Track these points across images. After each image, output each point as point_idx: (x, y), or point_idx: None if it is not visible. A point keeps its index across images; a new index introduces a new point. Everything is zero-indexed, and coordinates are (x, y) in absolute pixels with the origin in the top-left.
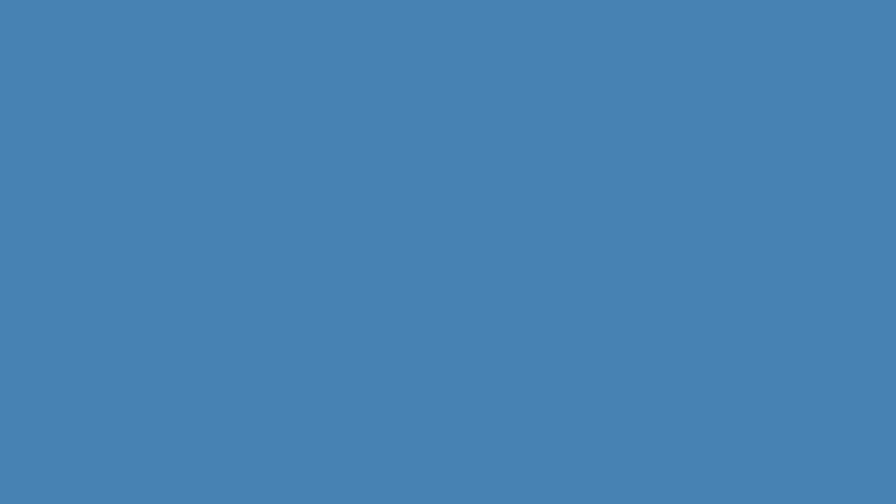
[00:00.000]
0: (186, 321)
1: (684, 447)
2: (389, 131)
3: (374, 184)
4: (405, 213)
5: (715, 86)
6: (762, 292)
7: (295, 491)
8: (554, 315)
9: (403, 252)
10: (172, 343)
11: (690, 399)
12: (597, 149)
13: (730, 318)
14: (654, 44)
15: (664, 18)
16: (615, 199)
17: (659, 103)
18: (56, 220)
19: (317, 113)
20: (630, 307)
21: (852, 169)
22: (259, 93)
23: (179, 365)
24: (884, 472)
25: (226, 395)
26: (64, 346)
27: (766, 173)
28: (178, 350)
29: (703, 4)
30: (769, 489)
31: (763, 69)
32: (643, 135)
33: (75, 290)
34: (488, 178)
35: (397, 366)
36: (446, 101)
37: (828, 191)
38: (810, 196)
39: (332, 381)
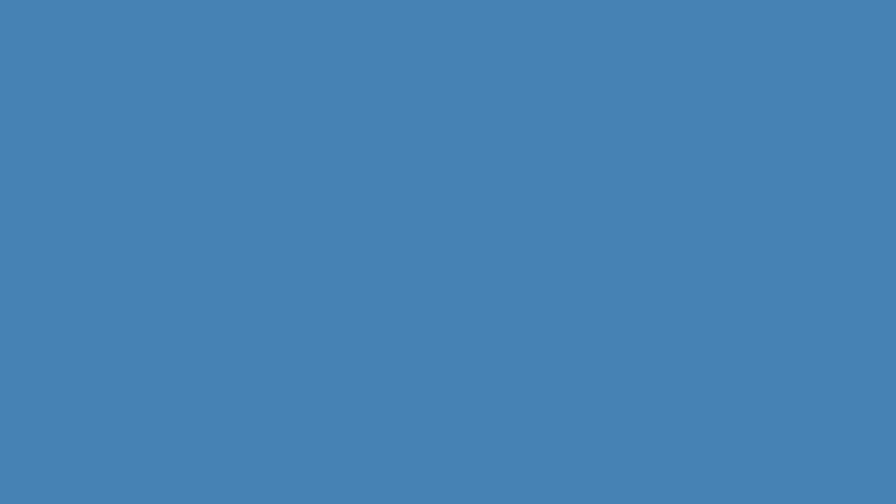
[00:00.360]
0: (186, 321)
1: (684, 447)
2: (390, 131)
3: (374, 184)
4: (405, 213)
5: (715, 86)
6: (762, 292)
7: (295, 491)
8: (554, 315)
9: (404, 252)
10: (172, 343)
11: (690, 399)
12: (597, 149)
13: (730, 318)
14: (655, 44)
15: (664, 18)
16: (615, 199)
17: (659, 103)
18: (56, 220)
19: (317, 113)
20: (630, 307)
21: (852, 169)
22: (259, 93)
23: (179, 365)
24: (884, 472)
25: (226, 395)
26: (64, 346)
27: (766, 173)
28: (178, 350)
29: (703, 4)
30: (769, 489)
31: (763, 69)
32: (643, 135)
33: (75, 290)
34: (488, 178)
35: (397, 366)
36: (446, 101)
37: (828, 191)
38: (810, 196)
39: (332, 381)
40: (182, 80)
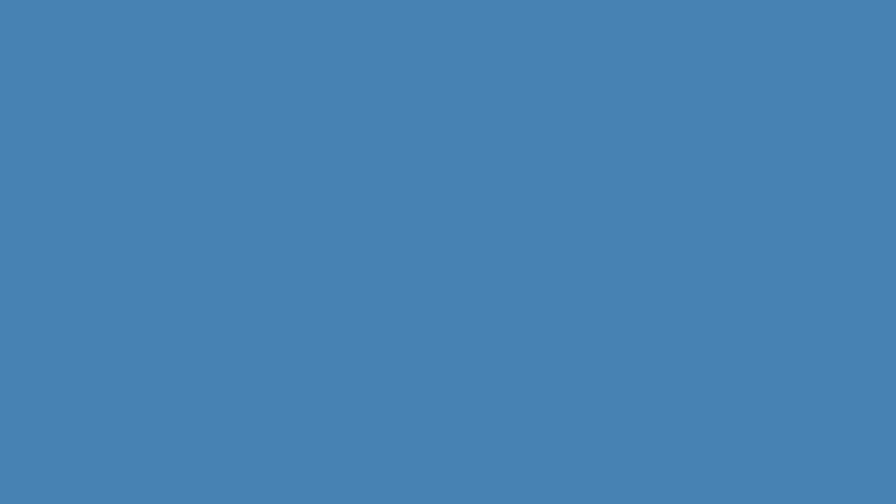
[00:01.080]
0: (186, 321)
1: (684, 447)
2: (389, 131)
3: (374, 184)
4: (406, 213)
5: (715, 86)
6: (762, 292)
7: (295, 491)
8: (554, 315)
9: (403, 252)
10: (172, 343)
11: (690, 399)
12: (597, 149)
13: (730, 319)
14: (655, 44)
15: (664, 18)
16: (615, 199)
17: (659, 103)
18: (56, 220)
19: (317, 113)
20: (630, 307)
21: (852, 169)
22: (259, 93)
23: (179, 365)
24: (884, 473)
25: (226, 395)
26: (64, 346)
27: (766, 173)
28: (178, 350)
29: (703, 4)
30: (769, 489)
31: (763, 69)
32: (643, 135)
33: (75, 290)
34: (488, 178)
35: (397, 366)
36: (446, 101)
37: (828, 191)
38: (810, 196)
39: (332, 381)
40: (182, 80)
